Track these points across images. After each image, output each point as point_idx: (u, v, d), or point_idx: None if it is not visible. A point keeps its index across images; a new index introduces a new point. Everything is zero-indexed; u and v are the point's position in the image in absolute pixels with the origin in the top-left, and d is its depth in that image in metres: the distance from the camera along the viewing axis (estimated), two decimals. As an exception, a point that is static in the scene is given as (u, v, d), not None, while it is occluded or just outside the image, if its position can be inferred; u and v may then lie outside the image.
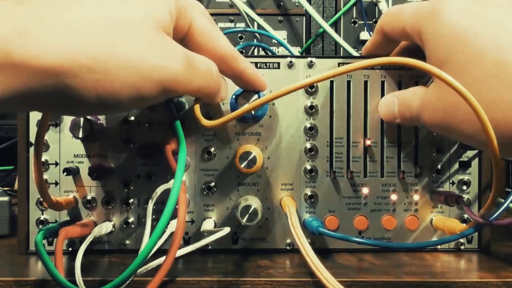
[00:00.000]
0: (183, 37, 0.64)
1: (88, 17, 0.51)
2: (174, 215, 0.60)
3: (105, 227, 0.75)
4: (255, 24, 1.18)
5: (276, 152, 0.77)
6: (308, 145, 0.77)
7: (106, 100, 0.52)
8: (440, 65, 0.63)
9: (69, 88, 0.49)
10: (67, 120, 0.75)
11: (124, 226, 0.77)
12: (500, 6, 0.62)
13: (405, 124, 0.77)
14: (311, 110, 0.76)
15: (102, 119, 0.76)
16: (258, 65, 0.76)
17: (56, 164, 0.77)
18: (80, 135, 0.72)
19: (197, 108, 0.68)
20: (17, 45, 0.45)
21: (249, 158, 0.73)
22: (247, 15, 1.15)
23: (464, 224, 0.74)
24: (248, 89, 0.70)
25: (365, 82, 0.77)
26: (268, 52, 1.18)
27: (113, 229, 0.77)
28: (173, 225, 0.70)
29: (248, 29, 1.19)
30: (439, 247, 0.80)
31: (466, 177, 0.79)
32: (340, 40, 1.10)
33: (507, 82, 0.57)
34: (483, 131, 0.56)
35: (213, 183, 0.77)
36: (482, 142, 0.60)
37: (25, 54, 0.46)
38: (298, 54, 1.18)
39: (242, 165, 0.73)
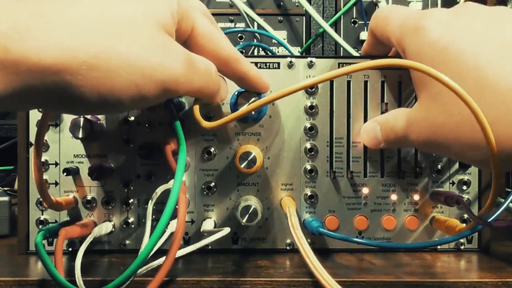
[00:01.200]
0: (186, 40, 0.64)
1: (89, 14, 0.50)
2: (174, 215, 0.60)
3: (105, 227, 0.75)
4: (255, 24, 1.18)
5: (276, 152, 0.77)
6: (308, 145, 0.77)
7: (106, 98, 0.52)
8: (423, 83, 0.64)
9: (69, 86, 0.49)
10: (67, 120, 0.75)
11: (124, 226, 0.77)
12: (483, 17, 0.62)
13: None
14: (311, 110, 0.76)
15: (102, 119, 0.76)
16: (258, 65, 0.76)
17: (56, 164, 0.77)
18: (80, 135, 0.72)
19: (196, 109, 0.68)
20: (17, 41, 0.45)
21: (249, 158, 0.73)
22: (247, 15, 1.15)
23: (464, 224, 0.74)
24: (252, 90, 0.70)
25: (365, 82, 0.77)
26: (268, 52, 1.18)
27: (113, 229, 0.77)
28: (173, 225, 0.70)
29: (248, 29, 1.19)
30: (439, 247, 0.80)
31: (466, 177, 0.79)
32: (340, 40, 1.10)
33: (487, 101, 0.56)
34: (471, 148, 0.57)
35: (213, 183, 0.77)
36: (471, 158, 0.60)
37: (25, 50, 0.45)
38: (298, 54, 1.18)
39: (242, 165, 0.73)
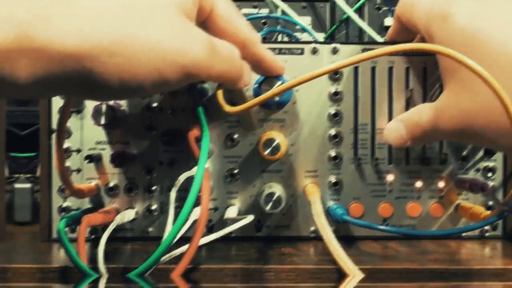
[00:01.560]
0: (204, 21, 0.63)
1: (110, 1, 0.50)
2: (197, 203, 0.60)
3: (127, 215, 0.75)
4: (279, 10, 1.17)
5: (300, 138, 0.77)
6: (333, 132, 0.76)
7: (128, 84, 0.51)
8: (452, 71, 0.63)
9: (91, 73, 0.49)
10: (89, 106, 0.75)
11: (147, 213, 0.77)
12: (508, 4, 0.62)
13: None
14: (335, 97, 0.76)
15: (124, 105, 0.76)
16: (282, 51, 0.76)
17: (79, 151, 0.77)
18: (102, 122, 0.71)
19: (219, 94, 0.67)
20: (39, 30, 0.45)
21: (273, 145, 0.72)
22: (271, 1, 1.14)
23: (489, 211, 0.73)
24: (267, 75, 0.70)
25: (390, 69, 0.76)
26: (292, 38, 1.17)
27: (136, 217, 0.77)
28: (196, 213, 0.69)
29: (272, 15, 1.18)
30: (463, 234, 0.79)
31: (491, 164, 0.78)
32: (364, 26, 1.09)
33: None
34: (504, 135, 0.56)
35: (236, 170, 0.77)
36: (505, 146, 0.59)
37: (47, 38, 0.46)
38: (322, 40, 1.18)
39: (266, 152, 0.73)
